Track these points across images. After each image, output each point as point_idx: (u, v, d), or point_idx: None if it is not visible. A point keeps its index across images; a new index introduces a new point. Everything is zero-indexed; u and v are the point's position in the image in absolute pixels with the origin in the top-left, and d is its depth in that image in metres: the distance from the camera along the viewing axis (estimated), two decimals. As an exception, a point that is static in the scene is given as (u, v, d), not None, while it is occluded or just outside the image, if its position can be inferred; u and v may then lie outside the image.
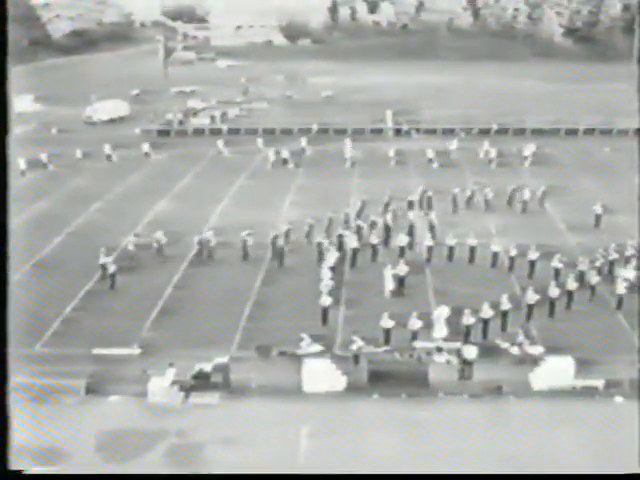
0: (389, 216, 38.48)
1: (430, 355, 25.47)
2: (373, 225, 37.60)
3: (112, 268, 32.22)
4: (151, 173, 52.71)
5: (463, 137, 60.35)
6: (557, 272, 31.50)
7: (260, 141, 59.13)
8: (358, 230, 36.90)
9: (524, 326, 27.83)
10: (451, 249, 34.75)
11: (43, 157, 53.18)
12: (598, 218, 39.62)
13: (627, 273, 31.03)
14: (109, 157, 55.79)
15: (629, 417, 21.94)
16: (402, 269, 31.70)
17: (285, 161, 54.35)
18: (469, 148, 57.29)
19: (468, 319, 26.93)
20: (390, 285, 31.05)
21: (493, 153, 54.92)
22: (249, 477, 19.50)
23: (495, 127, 63.77)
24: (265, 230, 36.82)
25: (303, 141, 58.10)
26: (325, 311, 28.71)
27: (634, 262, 32.10)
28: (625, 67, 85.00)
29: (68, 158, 54.82)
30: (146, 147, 57.46)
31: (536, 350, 25.90)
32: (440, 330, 26.85)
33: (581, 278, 30.83)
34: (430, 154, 54.69)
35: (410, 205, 41.43)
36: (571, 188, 47.08)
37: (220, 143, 58.49)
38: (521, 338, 26.41)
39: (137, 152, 57.07)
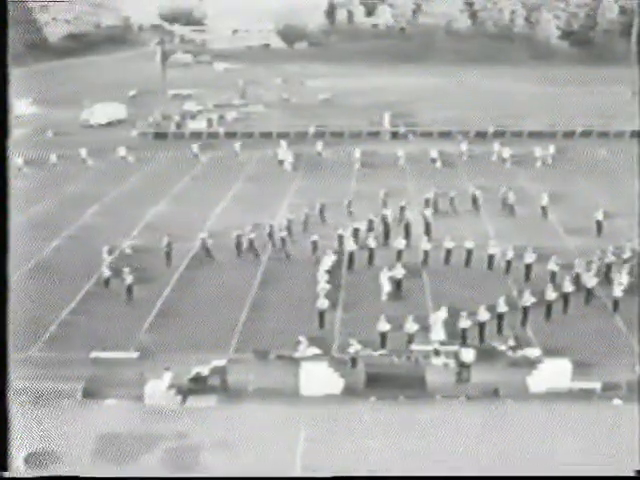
0: (389, 214, 38.68)
1: (427, 358, 25.49)
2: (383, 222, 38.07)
3: (129, 279, 31.09)
4: (139, 176, 52.36)
5: (461, 139, 60.31)
6: (553, 275, 31.53)
7: (237, 145, 58.33)
8: (355, 232, 36.95)
9: (515, 330, 27.85)
10: (448, 252, 34.75)
11: (19, 161, 51.89)
12: (599, 224, 38.47)
13: (590, 281, 30.65)
14: (84, 161, 55.31)
15: (627, 420, 21.97)
16: (399, 272, 31.73)
17: (281, 162, 54.61)
18: (473, 149, 57.51)
19: (465, 322, 26.97)
20: (386, 288, 31.08)
21: (506, 153, 55.12)
22: (246, 480, 19.54)
23: (492, 129, 63.80)
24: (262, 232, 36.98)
25: (283, 144, 57.38)
26: (322, 314, 28.70)
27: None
28: (622, 70, 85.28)
29: (44, 161, 54.25)
30: (122, 151, 56.92)
31: (533, 353, 25.91)
32: (437, 333, 26.87)
33: (577, 281, 30.87)
34: (434, 154, 54.83)
35: (425, 203, 41.45)
36: (568, 190, 47.05)
37: (195, 147, 58.03)
38: (511, 342, 26.42)
39: (134, 155, 57.01)
